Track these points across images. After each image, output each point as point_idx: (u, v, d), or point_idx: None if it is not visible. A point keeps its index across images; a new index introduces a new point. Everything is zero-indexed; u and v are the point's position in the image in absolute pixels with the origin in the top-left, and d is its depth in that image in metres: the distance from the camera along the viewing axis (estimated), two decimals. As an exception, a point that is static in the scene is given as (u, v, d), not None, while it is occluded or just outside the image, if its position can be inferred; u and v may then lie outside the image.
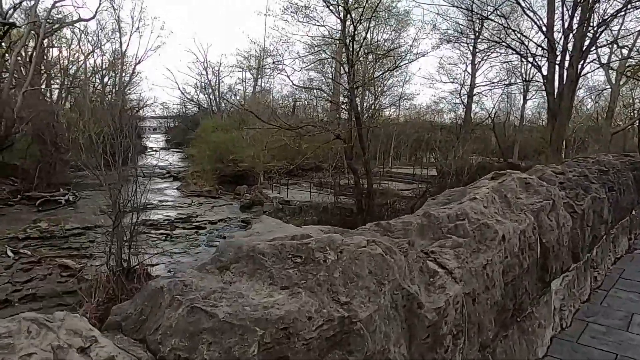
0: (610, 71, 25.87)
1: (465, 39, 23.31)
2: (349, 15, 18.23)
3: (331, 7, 18.18)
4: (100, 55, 49.02)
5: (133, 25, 51.74)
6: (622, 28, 18.30)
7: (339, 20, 19.23)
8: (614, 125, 29.70)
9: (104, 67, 51.04)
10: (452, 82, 36.55)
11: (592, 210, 4.18)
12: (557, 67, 15.83)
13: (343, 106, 20.69)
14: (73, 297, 13.41)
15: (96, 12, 39.22)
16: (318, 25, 19.16)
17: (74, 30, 43.58)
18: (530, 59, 17.06)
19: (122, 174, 14.42)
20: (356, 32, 18.11)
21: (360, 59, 26.70)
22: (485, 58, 35.08)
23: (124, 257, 14.26)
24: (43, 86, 34.40)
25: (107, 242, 14.03)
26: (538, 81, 27.02)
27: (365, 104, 33.78)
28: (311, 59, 20.78)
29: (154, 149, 58.91)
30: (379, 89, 36.96)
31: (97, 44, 47.84)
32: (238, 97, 52.40)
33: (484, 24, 25.42)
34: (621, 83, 27.55)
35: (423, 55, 24.20)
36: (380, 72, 23.50)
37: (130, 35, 51.06)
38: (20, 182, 25.21)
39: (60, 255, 15.92)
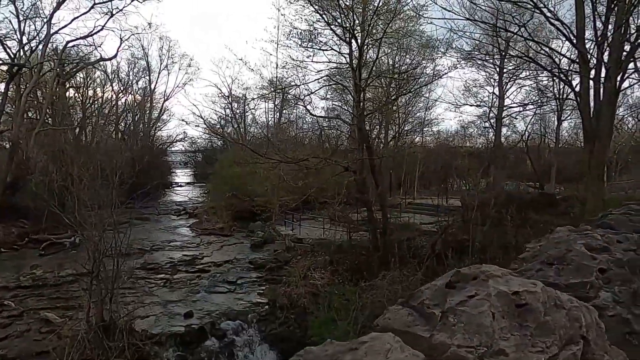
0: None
1: (486, 56, 21.36)
2: (354, 39, 16.85)
3: (334, 29, 16.83)
4: (131, 93, 49.92)
5: (161, 63, 52.48)
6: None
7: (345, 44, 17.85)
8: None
9: (133, 105, 51.74)
10: (478, 106, 34.51)
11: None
12: (591, 82, 13.82)
13: (353, 135, 19.10)
14: (48, 358, 12.09)
15: (117, 51, 39.77)
16: (323, 50, 17.81)
17: (106, 71, 44.76)
18: (561, 75, 15.07)
19: (104, 220, 13.03)
20: (363, 56, 16.69)
21: (375, 84, 25.31)
22: (513, 78, 33.09)
23: (108, 309, 12.95)
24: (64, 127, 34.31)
25: (87, 295, 12.74)
26: (572, 99, 24.77)
27: (381, 132, 32.20)
28: (317, 86, 19.36)
29: (180, 184, 58.94)
30: (402, 115, 35.46)
31: (128, 84, 48.82)
32: (260, 129, 51.65)
33: (510, 43, 23.68)
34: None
35: (440, 77, 22.47)
36: (393, 98, 21.80)
37: (159, 73, 51.73)
38: (29, 225, 24.63)
39: (46, 307, 14.69)
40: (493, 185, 25.53)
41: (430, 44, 21.56)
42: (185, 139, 58.46)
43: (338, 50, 18.21)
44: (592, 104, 14.14)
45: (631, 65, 14.25)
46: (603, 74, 13.71)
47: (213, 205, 30.32)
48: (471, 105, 34.76)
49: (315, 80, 17.90)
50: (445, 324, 1.46)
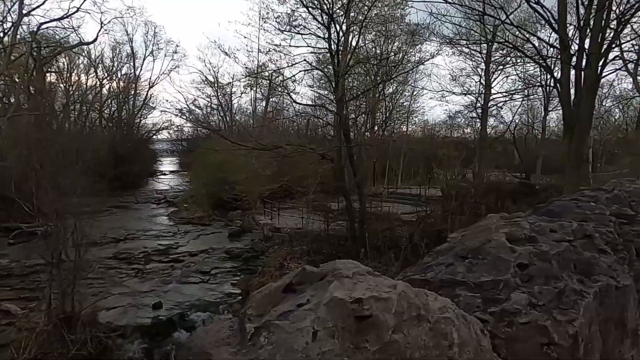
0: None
1: (468, 42, 20.86)
2: (333, 23, 16.29)
3: (313, 12, 16.27)
4: (115, 80, 48.76)
5: (146, 50, 51.20)
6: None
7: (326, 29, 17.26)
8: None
9: (117, 92, 50.53)
10: (464, 94, 34.06)
11: (604, 321, 1.96)
12: (573, 69, 13.45)
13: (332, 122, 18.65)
14: (5, 351, 11.58)
15: (97, 35, 38.87)
16: (302, 35, 17.23)
17: (90, 57, 43.75)
18: (542, 62, 14.69)
19: (64, 207, 12.45)
20: (342, 41, 16.17)
21: (360, 71, 24.79)
22: (500, 68, 32.65)
23: (70, 301, 12.43)
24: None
25: (48, 286, 12.20)
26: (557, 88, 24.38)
27: (368, 122, 31.77)
28: (299, 74, 18.79)
29: (164, 172, 58.10)
30: (388, 105, 35.06)
31: (112, 70, 47.73)
32: (247, 117, 50.81)
33: (497, 32, 23.23)
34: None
35: (422, 63, 22.02)
36: (375, 84, 21.33)
37: (144, 59, 50.38)
38: (0, 213, 23.85)
39: (8, 298, 14.13)
40: (478, 176, 25.27)
41: (414, 31, 21.02)
42: (171, 126, 57.30)
43: (317, 35, 17.63)
44: (574, 92, 13.79)
45: (611, 54, 13.92)
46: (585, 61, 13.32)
47: (193, 193, 29.75)
48: (457, 95, 34.40)
49: (293, 65, 17.31)
50: (255, 344, 1.04)
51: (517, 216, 2.32)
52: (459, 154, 19.01)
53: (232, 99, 50.70)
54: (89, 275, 15.57)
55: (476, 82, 34.02)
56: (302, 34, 17.56)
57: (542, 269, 1.78)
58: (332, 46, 16.71)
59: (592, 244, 2.16)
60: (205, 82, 46.80)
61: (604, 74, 13.51)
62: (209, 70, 48.76)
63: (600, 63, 12.71)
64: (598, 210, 2.71)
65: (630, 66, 20.49)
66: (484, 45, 28.22)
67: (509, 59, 30.03)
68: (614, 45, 13.35)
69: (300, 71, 18.47)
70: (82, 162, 13.45)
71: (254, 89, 42.82)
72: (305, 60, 16.99)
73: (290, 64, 17.18)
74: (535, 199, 15.90)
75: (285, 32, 16.94)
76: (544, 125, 37.92)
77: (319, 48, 19.33)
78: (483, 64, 32.60)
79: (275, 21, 17.32)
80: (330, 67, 21.70)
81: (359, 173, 16.97)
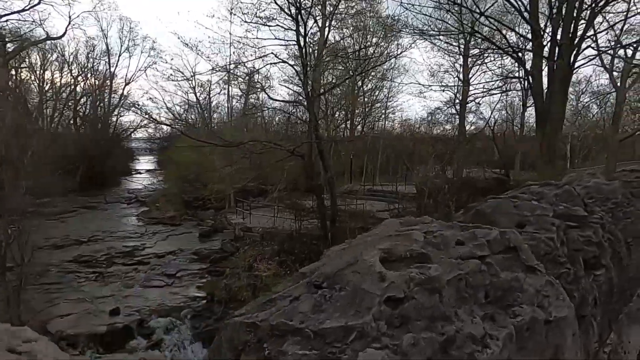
0: (615, 73, 22.89)
1: (439, 34, 20.34)
2: (301, 15, 15.63)
3: (279, 3, 15.60)
4: (89, 78, 47.19)
5: (122, 46, 49.59)
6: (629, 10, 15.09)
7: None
8: (622, 132, 26.51)
9: (92, 89, 48.97)
10: (443, 90, 33.74)
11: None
12: (546, 61, 13.05)
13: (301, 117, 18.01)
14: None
15: (65, 30, 37.56)
16: (269, 26, 16.56)
17: (64, 53, 42.36)
18: (514, 54, 14.29)
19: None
20: (309, 33, 15.56)
21: (337, 66, 24.18)
22: (478, 63, 32.31)
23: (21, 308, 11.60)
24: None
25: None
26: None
27: (347, 119, 31.27)
28: (272, 69, 18.14)
29: (139, 171, 56.80)
30: (367, 102, 34.62)
31: (86, 67, 46.24)
32: (223, 115, 49.66)
33: (475, 26, 22.82)
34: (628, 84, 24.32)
35: (396, 57, 21.56)
36: (347, 77, 20.77)
37: (119, 56, 48.72)
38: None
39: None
40: (457, 172, 24.89)
41: (386, 24, 20.51)
42: (149, 124, 55.75)
43: (285, 26, 16.97)
44: (547, 85, 13.40)
45: (584, 45, 13.57)
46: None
47: (165, 192, 28.85)
48: (435, 91, 34.07)
49: (261, 57, 16.65)
50: None
51: (422, 221, 1.72)
52: (433, 150, 18.56)
53: (211, 96, 49.44)
54: (44, 280, 14.82)
55: (454, 78, 33.70)
56: (269, 26, 16.89)
57: (425, 305, 1.18)
58: (300, 39, 16.06)
59: (516, 260, 1.58)
60: (178, 77, 45.37)
61: (577, 66, 13.17)
62: (179, 67, 47.55)
63: (573, 54, 12.33)
64: (539, 211, 2.14)
65: (607, 61, 20.28)
66: (462, 40, 27.90)
67: (486, 54, 29.72)
68: (586, 36, 12.97)
69: (267, 64, 17.71)
70: (29, 159, 12.53)
71: (229, 85, 41.70)
72: (272, 53, 16.32)
73: (259, 56, 16.46)
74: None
75: (251, 24, 16.26)
76: (523, 121, 37.79)
77: (286, 41, 18.65)
78: (461, 58, 32.27)
79: (242, 12, 16.60)
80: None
81: (330, 170, 16.38)
